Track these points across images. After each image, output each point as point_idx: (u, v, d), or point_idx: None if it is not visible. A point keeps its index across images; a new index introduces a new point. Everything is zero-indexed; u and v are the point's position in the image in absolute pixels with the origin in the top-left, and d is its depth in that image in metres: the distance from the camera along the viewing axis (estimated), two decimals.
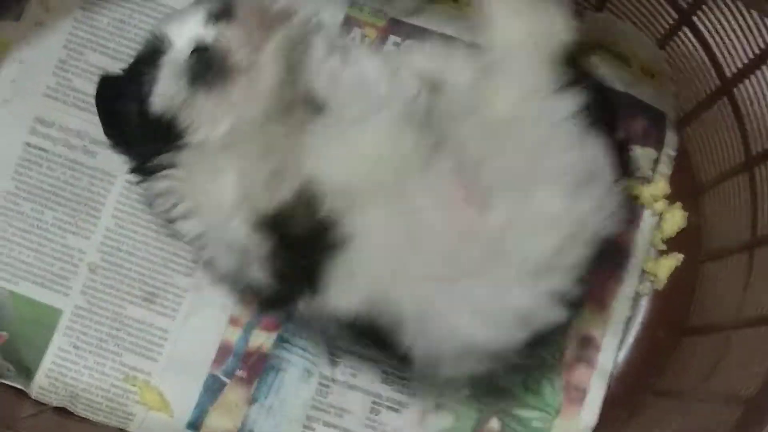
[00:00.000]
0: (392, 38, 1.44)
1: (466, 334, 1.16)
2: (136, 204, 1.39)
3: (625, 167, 1.28)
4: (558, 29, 1.22)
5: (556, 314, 1.17)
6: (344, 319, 1.19)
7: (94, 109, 1.31)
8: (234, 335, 1.38)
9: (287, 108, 1.18)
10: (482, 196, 1.16)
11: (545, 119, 1.17)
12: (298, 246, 1.17)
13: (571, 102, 1.17)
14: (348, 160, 1.17)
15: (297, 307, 1.22)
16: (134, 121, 1.22)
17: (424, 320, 1.16)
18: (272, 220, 1.17)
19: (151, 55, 1.21)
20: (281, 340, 1.38)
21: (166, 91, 1.17)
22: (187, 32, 1.20)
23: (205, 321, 1.38)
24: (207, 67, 1.17)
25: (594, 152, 1.18)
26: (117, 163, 1.35)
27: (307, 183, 1.16)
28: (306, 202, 1.16)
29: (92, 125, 1.38)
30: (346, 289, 1.17)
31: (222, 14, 1.21)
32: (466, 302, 1.15)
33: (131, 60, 1.27)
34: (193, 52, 1.18)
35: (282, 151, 1.17)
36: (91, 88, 1.34)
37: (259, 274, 1.20)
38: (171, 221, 1.26)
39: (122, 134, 1.26)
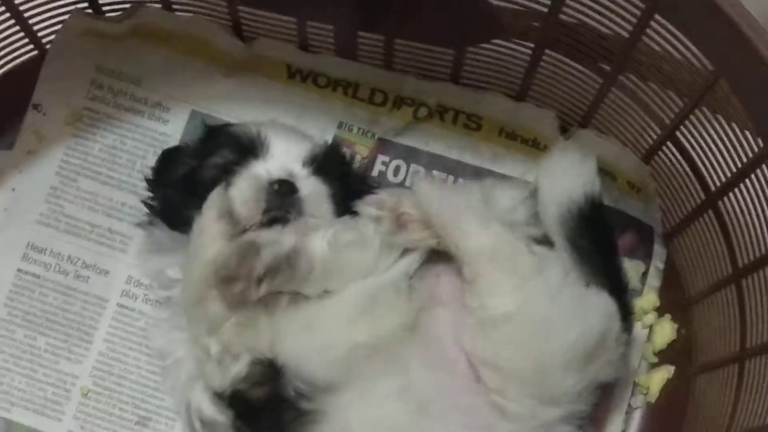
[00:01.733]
0: (380, 158, 1.45)
1: None
2: (128, 328, 1.39)
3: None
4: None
5: None
6: None
7: (87, 235, 1.34)
8: None
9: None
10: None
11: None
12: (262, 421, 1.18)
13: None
14: (321, 350, 1.18)
15: None
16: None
17: None
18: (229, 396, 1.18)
19: (240, 146, 1.25)
20: None
21: (245, 197, 1.21)
22: (286, 156, 1.24)
23: None
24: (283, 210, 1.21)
25: (599, 307, 1.20)
26: (109, 288, 1.38)
27: (263, 360, 1.16)
28: (263, 378, 1.16)
29: (85, 250, 1.40)
30: None
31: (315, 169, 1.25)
32: None
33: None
34: (280, 183, 1.21)
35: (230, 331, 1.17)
36: (84, 214, 1.38)
37: None
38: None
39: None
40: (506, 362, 1.14)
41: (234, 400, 1.17)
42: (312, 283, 1.17)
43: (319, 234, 1.18)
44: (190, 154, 1.31)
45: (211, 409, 1.18)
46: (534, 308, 1.15)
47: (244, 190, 1.21)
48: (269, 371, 1.15)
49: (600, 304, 1.19)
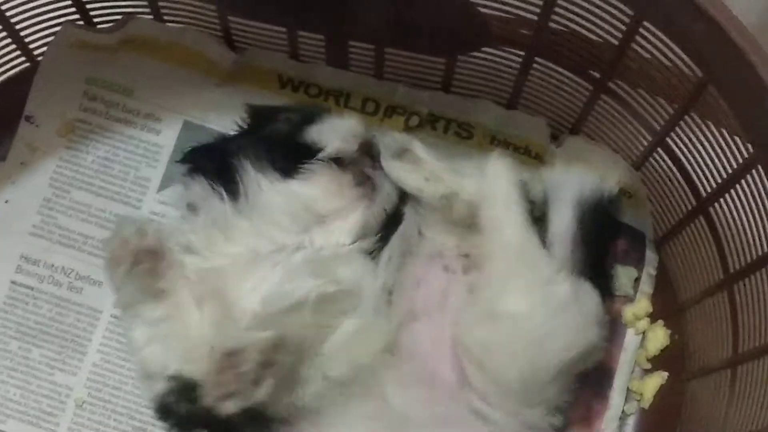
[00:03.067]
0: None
1: None
2: (122, 338, 1.39)
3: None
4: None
5: None
6: None
7: (80, 246, 1.36)
8: None
9: None
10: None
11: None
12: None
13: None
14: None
15: None
16: None
17: None
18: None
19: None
20: None
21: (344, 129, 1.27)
22: None
23: None
24: None
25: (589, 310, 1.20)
26: (102, 299, 1.39)
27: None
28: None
29: (78, 261, 1.40)
30: None
31: None
32: None
33: None
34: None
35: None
36: (77, 226, 1.39)
37: None
38: None
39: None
40: (495, 365, 1.14)
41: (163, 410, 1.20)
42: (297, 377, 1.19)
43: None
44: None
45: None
46: (542, 316, 1.14)
47: (332, 122, 1.25)
48: (185, 390, 1.17)
49: (594, 310, 1.19)
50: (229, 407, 1.11)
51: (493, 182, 1.23)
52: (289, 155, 1.25)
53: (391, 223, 1.28)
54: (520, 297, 1.17)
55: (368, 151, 1.28)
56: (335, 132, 1.26)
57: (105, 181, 1.44)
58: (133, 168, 1.44)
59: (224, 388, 1.11)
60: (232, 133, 1.38)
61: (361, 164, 1.28)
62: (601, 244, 1.33)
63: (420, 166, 1.27)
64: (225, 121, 1.42)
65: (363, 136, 1.27)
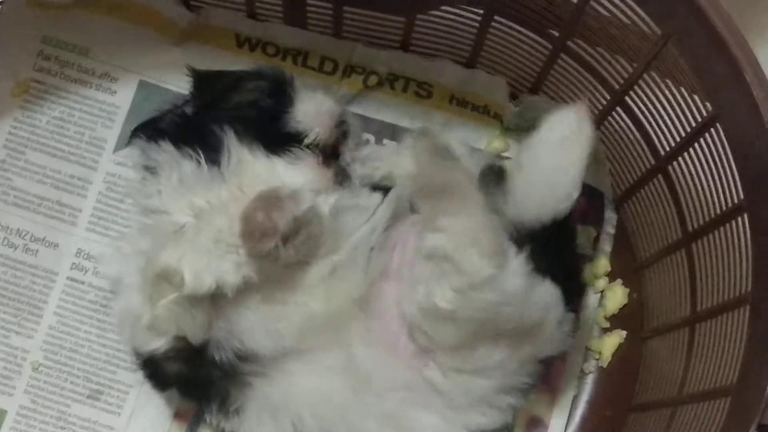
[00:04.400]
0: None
1: None
2: (78, 301, 1.38)
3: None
4: None
5: (502, 419, 1.21)
6: None
7: (35, 208, 1.35)
8: (181, 429, 1.37)
9: None
10: (426, 352, 1.17)
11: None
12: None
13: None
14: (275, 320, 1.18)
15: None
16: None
17: None
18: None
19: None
20: None
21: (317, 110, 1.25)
22: None
23: (151, 416, 1.38)
24: None
25: (542, 300, 1.17)
26: (59, 261, 1.38)
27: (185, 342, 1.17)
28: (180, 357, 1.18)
29: (33, 223, 1.39)
30: (262, 417, 1.19)
31: None
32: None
33: None
34: None
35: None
36: (32, 187, 1.38)
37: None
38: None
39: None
40: (438, 330, 1.14)
41: (147, 363, 1.18)
42: (318, 247, 1.17)
43: (321, 198, 1.18)
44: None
45: (145, 339, 1.17)
46: (472, 302, 1.12)
47: (313, 104, 1.24)
48: (188, 353, 1.16)
49: (544, 294, 1.17)
50: (263, 247, 1.10)
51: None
52: (273, 132, 1.24)
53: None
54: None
55: (344, 133, 1.27)
56: (317, 117, 1.24)
57: (60, 141, 1.42)
58: (89, 129, 1.43)
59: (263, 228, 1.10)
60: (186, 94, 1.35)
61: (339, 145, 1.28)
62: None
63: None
64: (181, 80, 1.40)
65: (339, 116, 1.26)
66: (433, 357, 1.15)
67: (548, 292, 1.15)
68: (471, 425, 1.19)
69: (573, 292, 1.20)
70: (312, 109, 1.24)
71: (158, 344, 1.15)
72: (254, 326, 1.15)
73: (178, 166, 1.21)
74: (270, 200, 1.10)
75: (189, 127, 1.25)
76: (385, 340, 1.16)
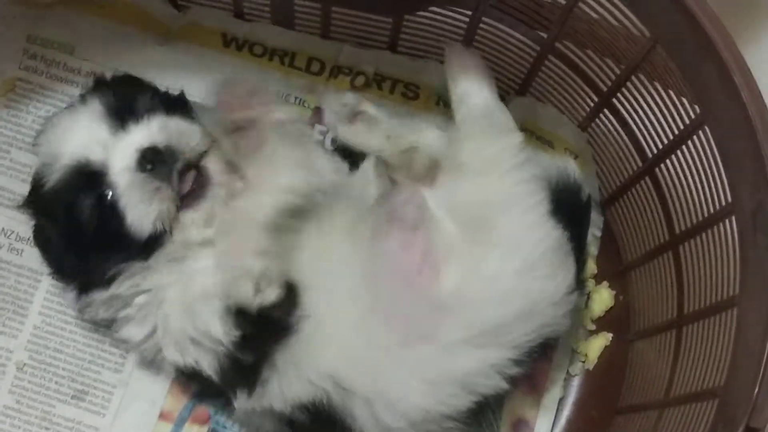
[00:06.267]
0: (318, 127, 1.44)
1: (415, 401, 1.17)
2: (64, 301, 1.37)
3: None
4: None
5: (497, 385, 1.20)
6: (283, 415, 1.20)
7: (20, 207, 1.31)
8: (166, 429, 1.36)
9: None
10: (437, 261, 1.18)
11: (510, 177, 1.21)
12: (254, 339, 1.17)
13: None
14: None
15: (232, 403, 1.22)
16: (89, 245, 1.21)
17: (376, 395, 1.17)
18: (250, 315, 1.17)
19: (79, 183, 1.19)
20: None
21: (144, 211, 1.17)
22: (125, 146, 1.19)
23: (136, 416, 1.37)
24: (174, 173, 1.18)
25: (553, 237, 1.21)
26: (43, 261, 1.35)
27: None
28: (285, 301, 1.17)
29: (18, 223, 1.38)
30: (291, 380, 1.18)
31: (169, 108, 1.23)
32: (416, 369, 1.17)
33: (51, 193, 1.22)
34: (149, 163, 1.17)
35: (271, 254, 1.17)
36: (17, 186, 1.37)
37: (208, 366, 1.20)
38: (109, 326, 1.27)
39: (71, 260, 1.24)
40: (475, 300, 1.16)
41: (243, 319, 1.16)
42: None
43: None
44: None
45: (219, 330, 1.16)
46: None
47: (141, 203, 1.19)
48: (291, 294, 1.17)
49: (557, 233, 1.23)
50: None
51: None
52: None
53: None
54: (495, 251, 1.19)
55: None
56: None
57: None
58: None
59: None
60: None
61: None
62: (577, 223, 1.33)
63: (377, 126, 1.27)
64: (167, 79, 1.39)
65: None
66: (446, 264, 1.18)
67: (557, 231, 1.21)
68: (459, 369, 1.19)
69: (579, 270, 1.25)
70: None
71: (274, 292, 1.16)
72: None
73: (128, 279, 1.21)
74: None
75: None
76: (401, 260, 1.19)
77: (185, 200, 1.18)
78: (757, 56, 1.13)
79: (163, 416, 1.37)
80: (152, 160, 1.16)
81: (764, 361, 0.98)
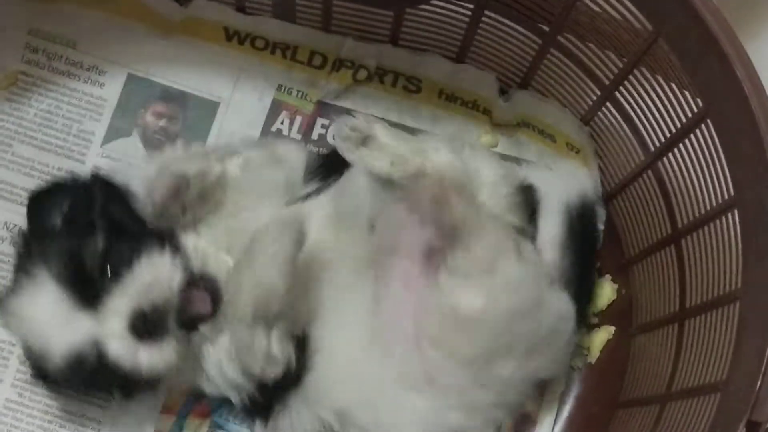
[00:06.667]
0: (320, 120, 1.44)
1: None
2: None
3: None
4: None
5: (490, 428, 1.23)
6: None
7: (22, 201, 1.32)
8: (168, 422, 1.37)
9: None
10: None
11: None
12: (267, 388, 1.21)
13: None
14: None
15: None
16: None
17: (377, 428, 1.20)
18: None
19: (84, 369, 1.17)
20: (215, 426, 1.37)
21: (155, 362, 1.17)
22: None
23: (139, 409, 1.37)
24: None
25: (556, 313, 1.22)
26: None
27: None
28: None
29: (19, 216, 1.36)
30: (301, 415, 1.22)
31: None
32: (411, 413, 1.19)
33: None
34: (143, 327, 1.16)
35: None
36: (19, 180, 1.38)
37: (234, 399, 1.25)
38: None
39: None
40: (455, 346, 1.16)
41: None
42: (227, 203, 1.21)
43: (233, 159, 1.23)
44: None
45: (240, 380, 1.21)
46: (500, 303, 1.14)
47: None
48: (300, 346, 1.20)
49: (560, 305, 1.22)
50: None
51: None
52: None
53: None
54: (475, 290, 1.17)
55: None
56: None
57: (48, 134, 1.42)
58: (77, 122, 1.42)
59: None
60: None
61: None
62: (588, 252, 1.33)
63: (385, 151, 1.26)
64: (170, 74, 1.40)
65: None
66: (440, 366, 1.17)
67: (564, 303, 1.23)
68: (452, 423, 1.20)
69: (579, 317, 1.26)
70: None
71: (279, 369, 1.18)
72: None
73: None
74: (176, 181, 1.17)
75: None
76: (393, 314, 1.20)
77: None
78: (759, 50, 1.13)
79: (166, 409, 1.37)
80: (144, 323, 1.14)
81: (766, 354, 0.98)
